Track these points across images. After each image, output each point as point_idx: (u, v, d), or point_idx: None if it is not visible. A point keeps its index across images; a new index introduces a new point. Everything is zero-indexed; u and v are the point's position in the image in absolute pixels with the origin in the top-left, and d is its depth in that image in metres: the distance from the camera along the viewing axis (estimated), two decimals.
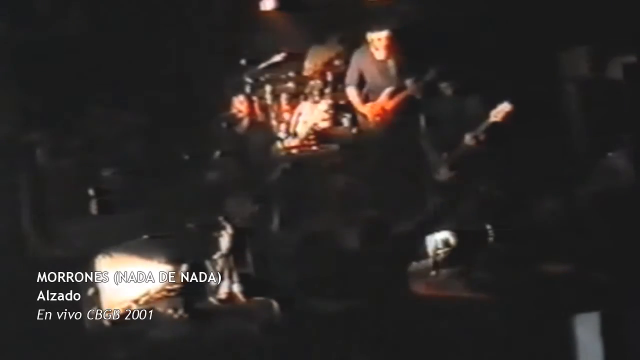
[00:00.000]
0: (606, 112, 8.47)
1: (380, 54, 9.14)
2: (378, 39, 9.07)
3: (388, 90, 9.05)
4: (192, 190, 8.57)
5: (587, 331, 6.52)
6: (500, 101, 7.96)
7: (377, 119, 9.11)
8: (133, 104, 9.52)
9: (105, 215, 8.51)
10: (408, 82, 8.94)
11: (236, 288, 7.46)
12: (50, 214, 8.03)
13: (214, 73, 9.42)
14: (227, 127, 8.41)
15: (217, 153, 8.69)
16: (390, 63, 9.13)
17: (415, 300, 7.21)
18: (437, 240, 7.79)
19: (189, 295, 7.39)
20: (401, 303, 7.21)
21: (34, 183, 7.80)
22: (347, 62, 9.41)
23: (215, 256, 7.55)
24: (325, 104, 9.54)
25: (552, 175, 8.49)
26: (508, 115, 7.74)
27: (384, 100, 9.07)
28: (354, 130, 9.39)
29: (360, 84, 9.28)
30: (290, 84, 9.82)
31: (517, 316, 6.59)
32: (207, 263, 7.53)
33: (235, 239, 7.60)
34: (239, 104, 8.48)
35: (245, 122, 8.54)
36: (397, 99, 9.02)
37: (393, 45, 9.12)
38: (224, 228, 7.62)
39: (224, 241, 7.60)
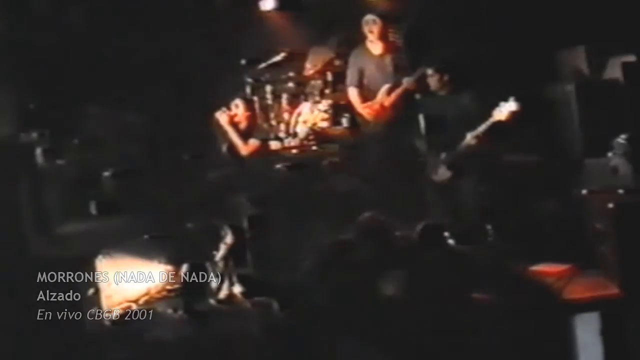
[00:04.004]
0: (606, 112, 8.47)
1: (376, 48, 9.15)
2: (371, 27, 9.07)
3: (386, 87, 9.06)
4: (192, 190, 8.58)
5: (587, 331, 6.53)
6: (500, 100, 7.95)
7: (377, 117, 9.12)
8: (133, 104, 9.53)
9: (105, 215, 8.52)
10: (405, 79, 8.95)
11: (236, 289, 7.46)
12: (50, 214, 8.03)
13: (214, 73, 9.43)
14: None
15: (217, 153, 8.69)
16: (388, 59, 9.15)
17: (415, 300, 7.20)
18: None
19: (189, 295, 7.39)
20: (401, 302, 7.20)
21: (34, 183, 7.79)
22: (347, 62, 9.43)
23: (216, 259, 7.55)
24: (325, 104, 9.56)
25: (552, 175, 8.49)
26: (513, 115, 7.72)
27: (382, 97, 9.08)
28: (354, 130, 9.41)
29: (361, 83, 9.28)
30: (291, 84, 9.84)
31: (517, 316, 6.59)
32: (207, 264, 7.53)
33: (235, 243, 7.60)
34: (235, 107, 8.46)
35: (243, 125, 8.53)
36: (394, 95, 9.02)
37: (388, 37, 9.13)
38: (225, 235, 7.62)
39: (224, 247, 7.60)
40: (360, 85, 9.26)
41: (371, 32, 9.08)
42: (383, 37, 9.09)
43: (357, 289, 7.07)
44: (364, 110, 9.18)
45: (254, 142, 8.44)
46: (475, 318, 6.60)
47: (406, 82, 8.90)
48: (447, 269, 7.14)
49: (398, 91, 8.98)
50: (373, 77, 9.20)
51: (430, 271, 7.14)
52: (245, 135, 8.45)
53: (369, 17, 9.11)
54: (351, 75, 9.32)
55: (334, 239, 7.73)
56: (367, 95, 9.21)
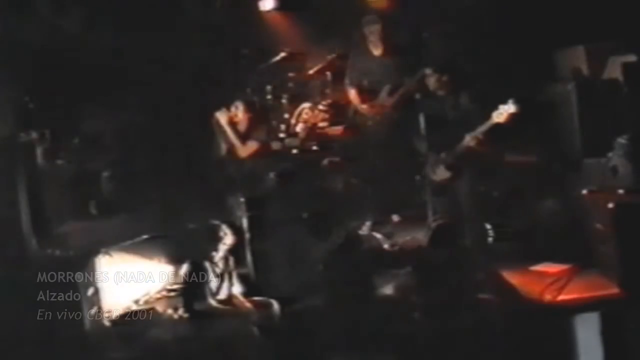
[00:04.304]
0: (606, 112, 8.47)
1: (377, 48, 9.15)
2: (371, 28, 9.08)
3: (387, 87, 9.06)
4: (192, 190, 8.58)
5: (587, 331, 6.52)
6: (499, 101, 7.95)
7: (378, 117, 9.12)
8: (133, 104, 9.53)
9: (105, 215, 8.52)
10: (407, 80, 8.95)
11: (236, 289, 7.46)
12: (50, 214, 8.03)
13: (214, 73, 9.43)
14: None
15: (217, 153, 8.69)
16: (388, 60, 9.15)
17: (415, 300, 7.20)
18: None
19: (189, 295, 7.39)
20: (401, 302, 7.20)
21: (34, 183, 7.79)
22: (347, 62, 9.43)
23: (215, 259, 7.55)
24: (325, 104, 9.56)
25: (552, 175, 8.49)
26: (512, 117, 7.72)
27: (384, 98, 9.08)
28: (354, 130, 9.41)
29: (360, 84, 9.28)
30: (291, 84, 9.83)
31: (517, 316, 6.59)
32: (207, 264, 7.53)
33: (234, 244, 7.60)
34: (235, 108, 8.45)
35: (243, 126, 8.52)
36: (396, 96, 9.03)
37: (389, 37, 9.14)
38: (225, 235, 7.62)
39: (224, 247, 7.60)
40: (359, 86, 9.26)
41: (372, 32, 9.08)
42: (384, 37, 9.09)
43: (358, 290, 7.08)
44: (365, 109, 9.18)
45: (252, 144, 8.43)
46: (476, 318, 6.60)
47: (408, 83, 8.90)
48: (454, 269, 7.15)
49: (400, 92, 8.98)
50: (374, 78, 9.20)
51: (437, 271, 7.14)
52: (244, 137, 8.44)
53: (370, 17, 9.11)
54: (351, 75, 9.32)
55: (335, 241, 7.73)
56: (367, 95, 9.21)
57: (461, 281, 7.01)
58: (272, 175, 8.56)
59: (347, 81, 9.35)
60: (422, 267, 7.39)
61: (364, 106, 9.19)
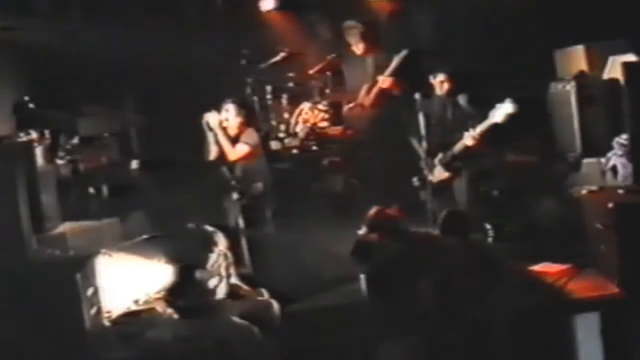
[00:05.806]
0: (606, 112, 8.48)
1: (358, 50, 9.23)
2: (352, 34, 9.18)
3: (365, 86, 9.15)
4: (192, 190, 8.57)
5: (587, 331, 6.52)
6: (499, 101, 7.96)
7: (358, 117, 9.20)
8: (133, 104, 9.54)
9: (104, 215, 8.51)
10: (380, 77, 9.03)
11: (234, 280, 7.44)
12: (49, 214, 8.02)
13: (214, 73, 9.43)
14: None
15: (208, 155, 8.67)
16: (369, 60, 9.22)
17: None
18: None
19: (188, 295, 7.38)
20: (401, 301, 7.19)
21: (34, 183, 7.78)
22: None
23: (211, 260, 7.53)
24: (325, 104, 9.57)
25: (552, 175, 8.50)
26: (510, 117, 7.73)
27: (362, 97, 9.16)
28: (354, 131, 9.43)
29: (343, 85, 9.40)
30: (291, 84, 9.84)
31: (517, 316, 6.59)
32: (207, 265, 7.52)
33: (230, 247, 7.57)
34: (225, 111, 8.38)
35: (233, 130, 8.47)
36: (373, 94, 9.10)
37: (372, 38, 9.20)
38: (219, 240, 7.59)
39: (220, 251, 7.58)
40: (342, 87, 9.40)
41: (353, 35, 9.19)
42: (364, 38, 9.16)
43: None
44: (347, 111, 9.30)
45: (242, 147, 8.37)
46: (475, 317, 6.60)
47: (381, 80, 9.00)
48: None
49: (375, 90, 9.07)
50: (356, 79, 9.30)
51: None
52: (234, 140, 8.38)
53: (349, 22, 9.20)
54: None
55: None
56: (349, 96, 9.34)
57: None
58: (270, 175, 8.54)
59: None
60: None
61: (347, 107, 9.30)
